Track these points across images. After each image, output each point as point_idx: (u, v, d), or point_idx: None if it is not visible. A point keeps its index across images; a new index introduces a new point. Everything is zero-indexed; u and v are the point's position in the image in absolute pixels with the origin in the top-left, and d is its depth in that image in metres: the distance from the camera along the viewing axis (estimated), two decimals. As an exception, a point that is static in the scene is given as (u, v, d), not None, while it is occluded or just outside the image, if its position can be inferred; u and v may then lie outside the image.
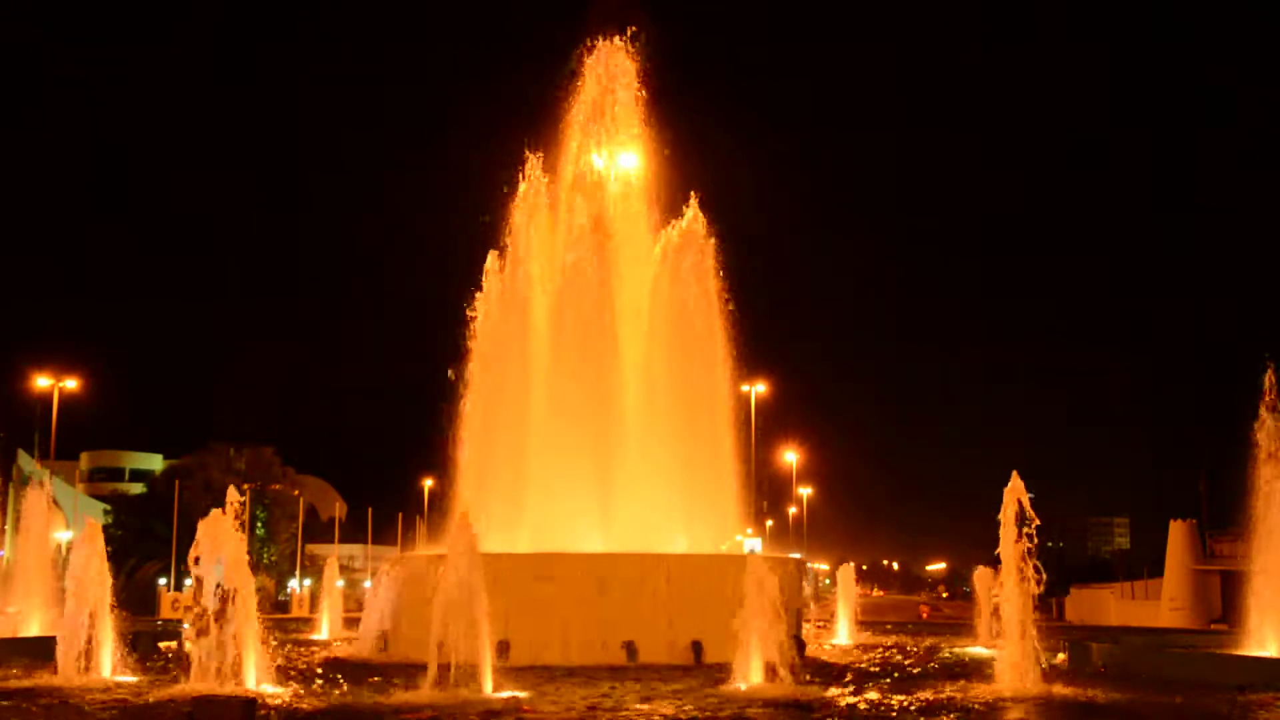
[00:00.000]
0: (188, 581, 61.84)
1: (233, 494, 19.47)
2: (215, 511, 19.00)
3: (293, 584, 73.15)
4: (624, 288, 31.88)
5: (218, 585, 18.32)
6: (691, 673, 22.20)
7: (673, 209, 33.11)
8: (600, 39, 34.00)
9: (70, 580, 20.26)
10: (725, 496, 31.99)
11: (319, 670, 23.39)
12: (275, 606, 66.13)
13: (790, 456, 79.46)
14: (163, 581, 64.85)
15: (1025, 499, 19.28)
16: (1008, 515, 19.31)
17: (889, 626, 45.73)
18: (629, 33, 33.94)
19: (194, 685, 17.55)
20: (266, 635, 19.95)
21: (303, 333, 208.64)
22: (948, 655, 28.68)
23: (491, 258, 32.64)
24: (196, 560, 18.63)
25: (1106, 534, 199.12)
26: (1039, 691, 18.56)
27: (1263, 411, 23.87)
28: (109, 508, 79.76)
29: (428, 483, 76.22)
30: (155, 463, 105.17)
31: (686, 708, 16.72)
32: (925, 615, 78.82)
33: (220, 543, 18.71)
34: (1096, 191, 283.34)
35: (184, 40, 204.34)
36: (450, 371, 32.44)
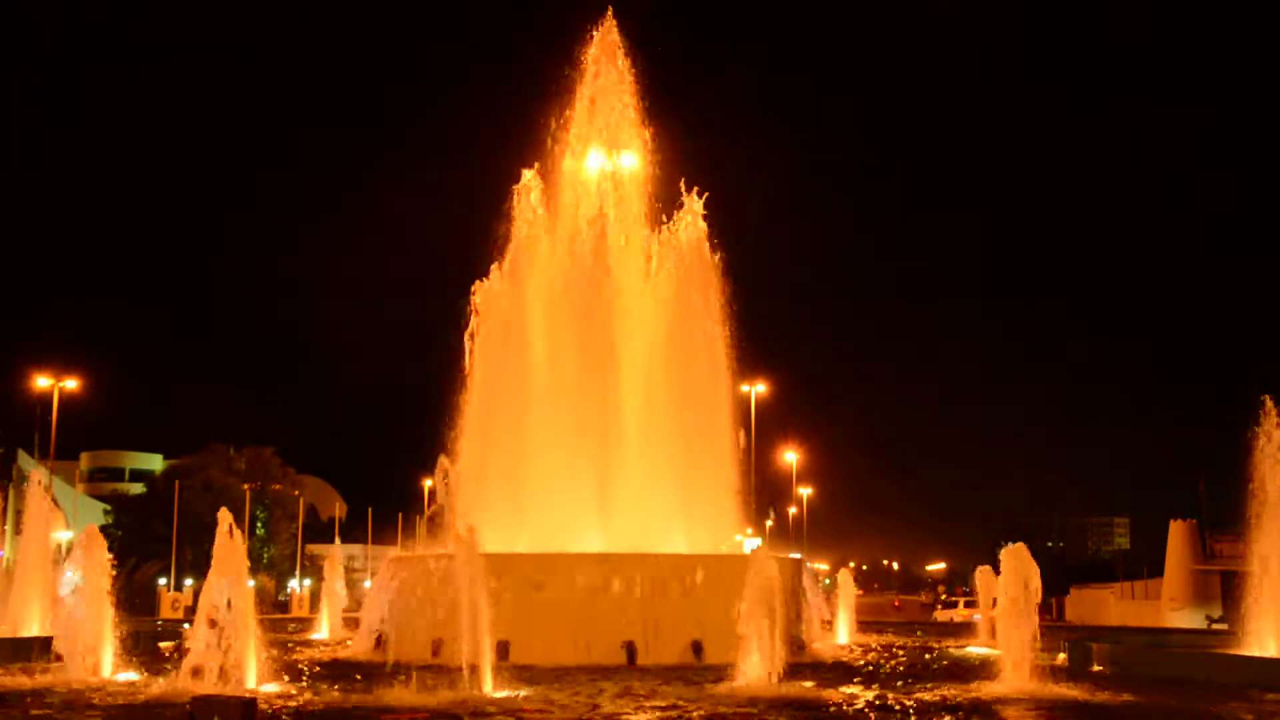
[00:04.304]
0: (188, 581, 62.24)
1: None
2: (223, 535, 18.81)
3: (293, 584, 73.21)
4: (623, 287, 31.87)
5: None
6: (691, 673, 22.19)
7: (671, 208, 33.16)
8: (598, 40, 34.01)
9: (73, 585, 20.33)
10: (725, 496, 31.97)
11: (319, 670, 23.40)
12: (275, 606, 66.22)
13: (790, 456, 79.52)
14: (163, 581, 64.90)
15: (1033, 571, 19.49)
16: (1007, 581, 19.56)
17: (906, 629, 45.73)
18: (627, 32, 34.01)
19: (194, 685, 17.55)
20: (266, 635, 19.96)
21: (303, 333, 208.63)
22: (948, 655, 28.70)
23: (491, 274, 32.63)
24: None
25: (1106, 534, 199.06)
26: (1038, 691, 18.57)
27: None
28: (109, 508, 79.81)
29: (428, 483, 76.20)
30: (155, 463, 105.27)
31: (686, 708, 16.72)
32: (897, 605, 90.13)
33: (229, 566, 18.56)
34: (1097, 191, 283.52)
35: (185, 40, 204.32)
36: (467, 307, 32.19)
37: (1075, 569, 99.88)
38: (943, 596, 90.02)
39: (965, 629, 38.95)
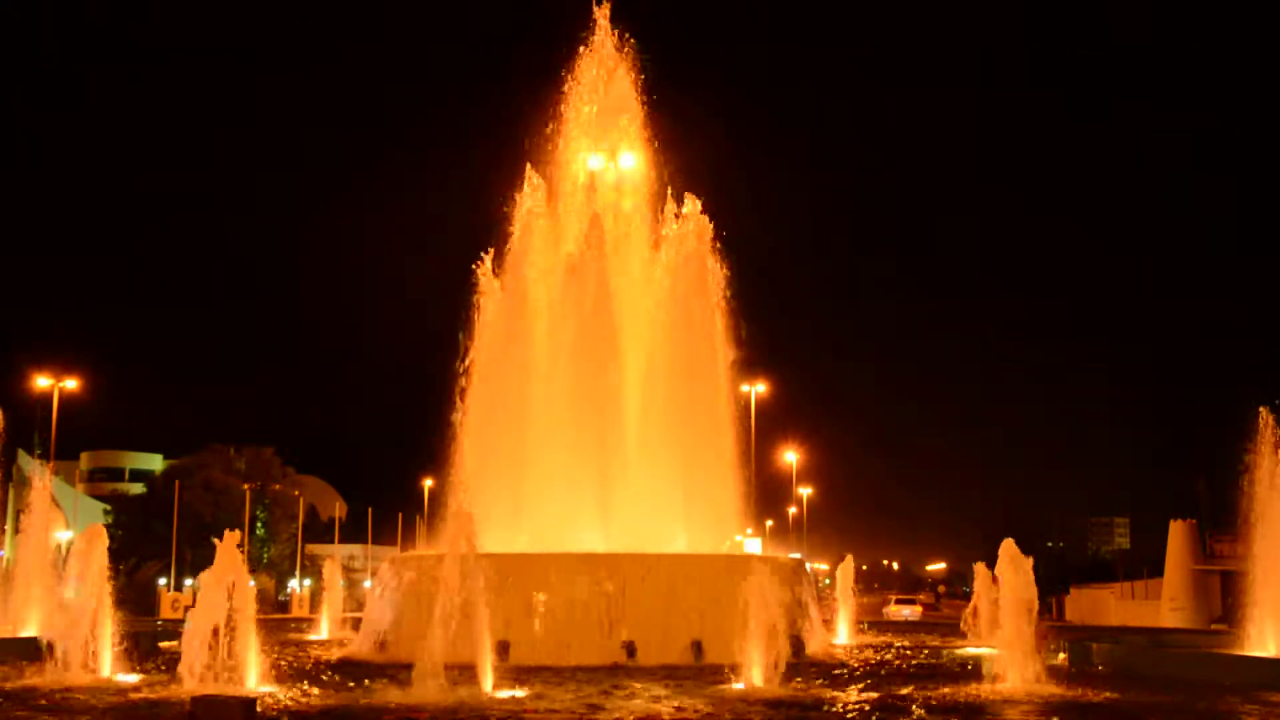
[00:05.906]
0: (188, 581, 62.22)
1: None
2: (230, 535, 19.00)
3: (293, 584, 73.21)
4: (623, 287, 31.89)
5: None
6: (691, 673, 22.20)
7: (671, 207, 33.16)
8: (598, 40, 34.06)
9: (72, 583, 20.38)
10: (725, 496, 31.98)
11: (319, 670, 23.40)
12: (275, 606, 66.21)
13: (790, 456, 79.48)
14: (163, 581, 64.90)
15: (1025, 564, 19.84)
16: (1003, 565, 19.77)
17: (905, 628, 45.74)
18: (627, 33, 34.07)
19: (194, 685, 17.56)
20: (266, 636, 19.96)
21: (303, 332, 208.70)
22: (948, 655, 28.71)
23: (488, 262, 32.63)
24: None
25: (1106, 534, 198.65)
26: (1038, 691, 18.58)
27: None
28: (109, 508, 79.76)
29: (428, 483, 76.28)
30: (155, 463, 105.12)
31: (686, 708, 16.73)
32: None
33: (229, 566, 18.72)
34: (1097, 191, 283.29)
35: (185, 40, 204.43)
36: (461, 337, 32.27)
37: (1075, 569, 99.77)
38: (926, 597, 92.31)
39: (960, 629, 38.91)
